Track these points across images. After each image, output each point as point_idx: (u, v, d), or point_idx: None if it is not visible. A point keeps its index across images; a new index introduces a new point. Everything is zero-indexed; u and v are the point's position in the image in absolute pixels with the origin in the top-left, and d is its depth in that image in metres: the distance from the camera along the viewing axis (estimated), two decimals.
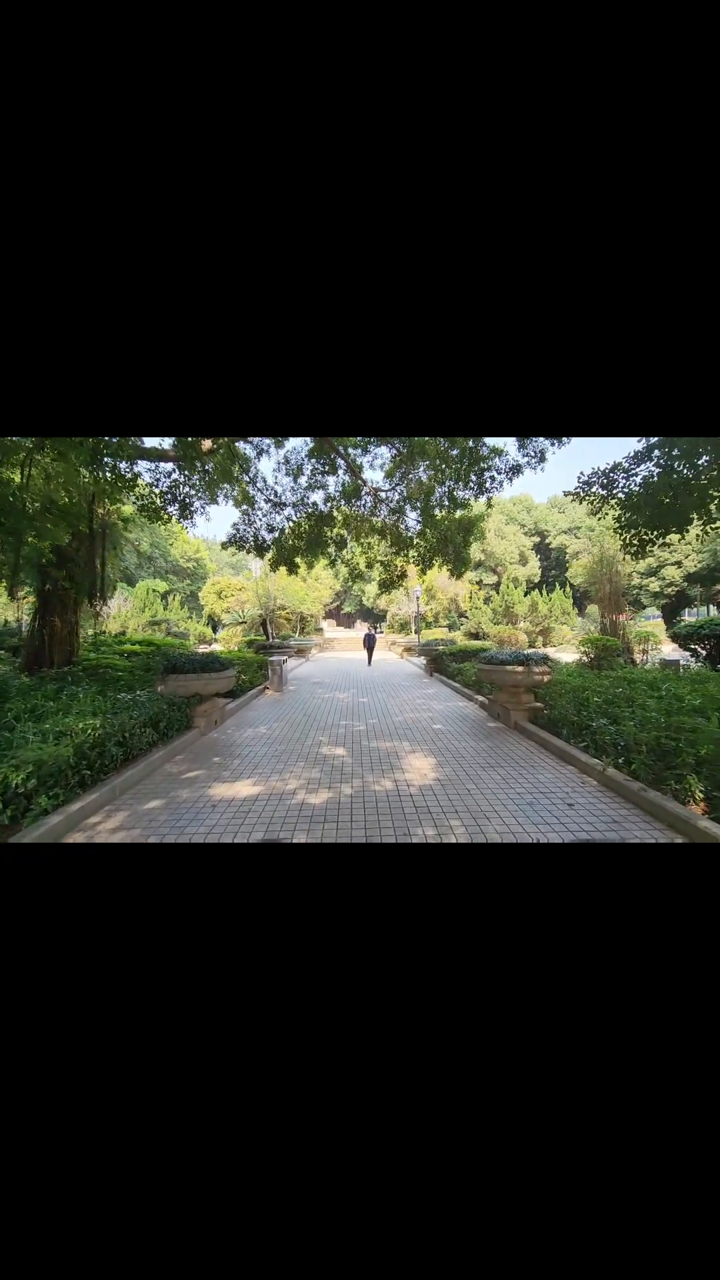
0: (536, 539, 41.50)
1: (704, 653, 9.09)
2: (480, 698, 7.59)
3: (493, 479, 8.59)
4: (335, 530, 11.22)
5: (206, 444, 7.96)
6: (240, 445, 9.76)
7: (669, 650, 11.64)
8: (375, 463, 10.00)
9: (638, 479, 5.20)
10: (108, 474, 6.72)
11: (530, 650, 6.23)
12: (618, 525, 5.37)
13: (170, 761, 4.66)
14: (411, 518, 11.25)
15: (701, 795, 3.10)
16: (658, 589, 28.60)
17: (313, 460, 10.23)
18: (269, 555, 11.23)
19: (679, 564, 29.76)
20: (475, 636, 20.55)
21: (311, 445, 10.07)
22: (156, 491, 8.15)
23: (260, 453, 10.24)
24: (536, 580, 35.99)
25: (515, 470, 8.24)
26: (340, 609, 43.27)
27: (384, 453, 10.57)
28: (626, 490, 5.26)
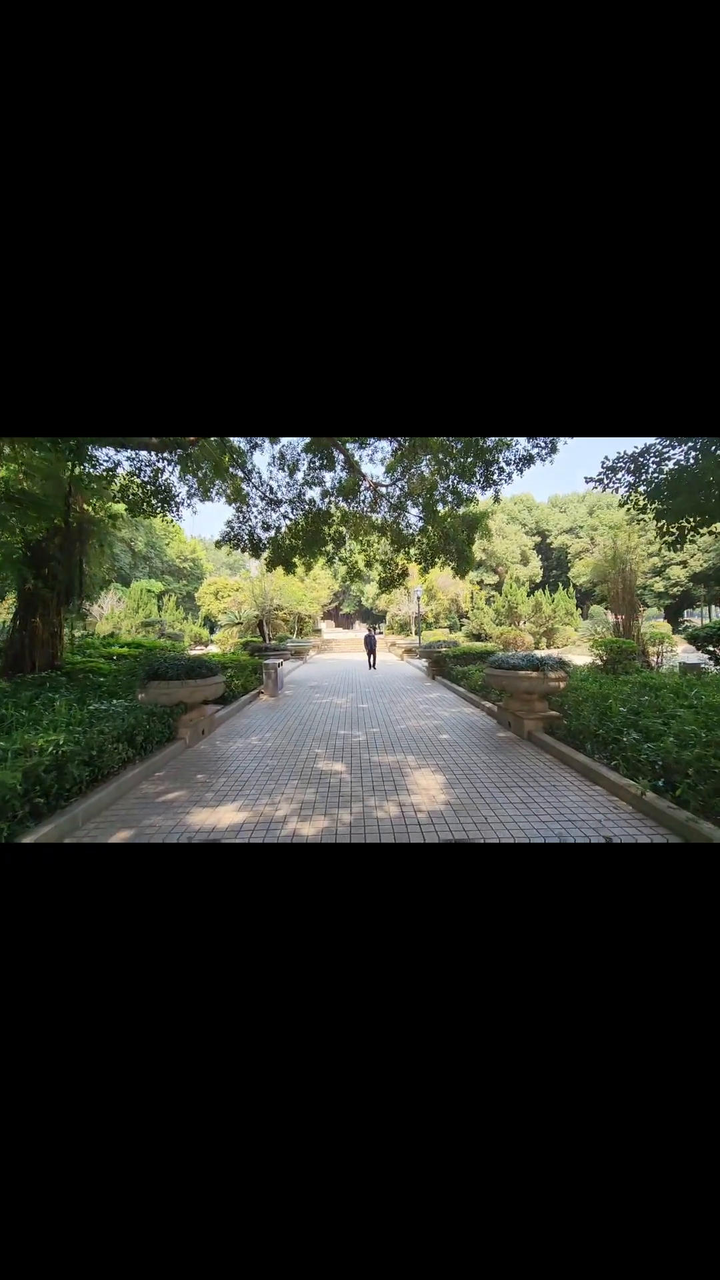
0: (537, 539, 41.10)
1: None
2: (488, 704, 7.11)
3: (500, 470, 8.11)
4: (333, 528, 10.75)
5: None
6: (232, 437, 9.28)
7: (683, 651, 11.17)
8: (375, 456, 9.50)
9: (670, 463, 4.73)
10: (86, 466, 6.23)
11: (544, 654, 5.74)
12: (652, 514, 4.88)
13: (148, 780, 4.16)
14: (413, 514, 10.79)
15: None
16: (662, 589, 28.21)
17: (309, 455, 9.75)
18: (265, 555, 10.75)
19: (684, 564, 29.39)
20: (477, 638, 20.10)
21: (308, 439, 9.60)
22: (137, 482, 7.59)
23: (254, 446, 9.76)
24: (538, 580, 35.56)
25: (525, 461, 7.77)
26: (339, 609, 42.80)
27: (384, 446, 10.10)
28: (658, 477, 4.78)
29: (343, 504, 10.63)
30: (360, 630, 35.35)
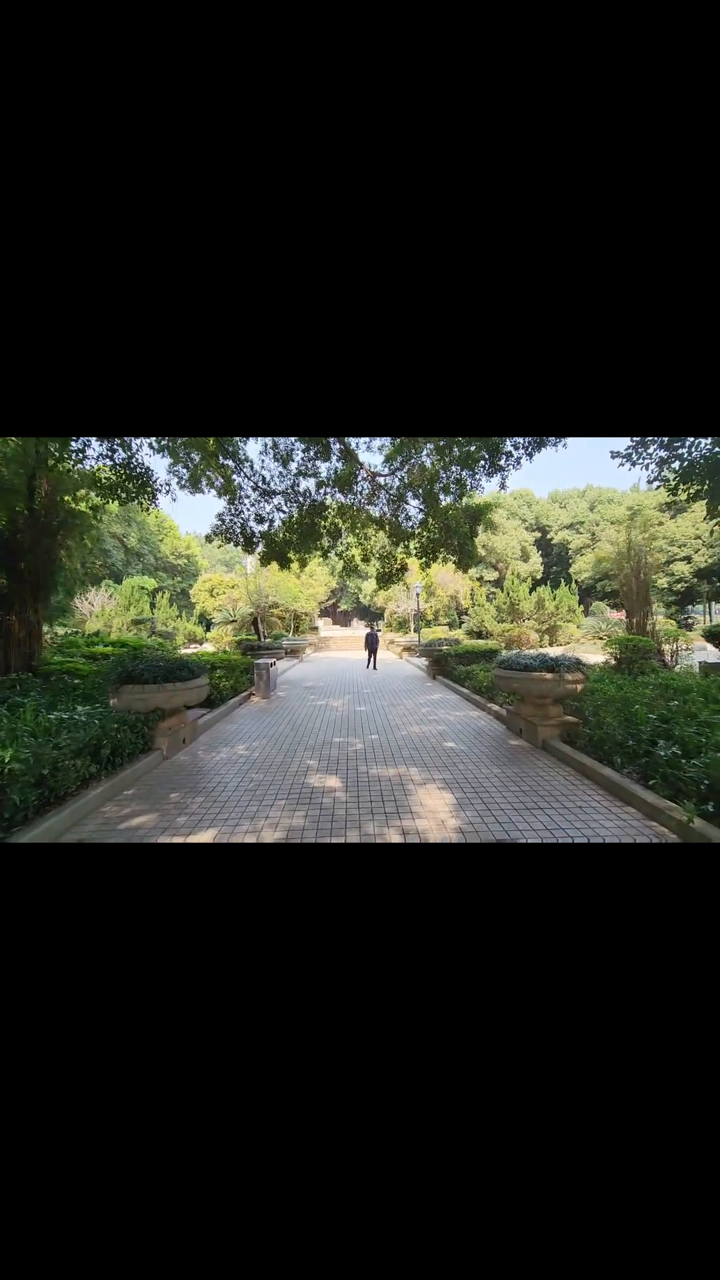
0: (537, 535, 40.59)
1: None
2: (495, 706, 6.60)
3: (508, 456, 7.58)
4: (329, 521, 10.21)
5: None
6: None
7: (698, 648, 10.67)
8: (373, 445, 8.94)
9: (704, 444, 4.21)
10: (53, 447, 5.65)
11: (556, 652, 5.22)
12: (685, 495, 4.37)
13: (113, 801, 3.63)
14: (413, 505, 10.26)
15: None
16: (665, 584, 27.76)
17: (304, 444, 9.19)
18: (258, 549, 10.19)
19: (689, 559, 28.94)
20: (477, 635, 19.61)
21: None
22: (108, 465, 6.95)
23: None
24: (539, 577, 35.07)
25: (537, 444, 7.23)
26: (336, 607, 42.23)
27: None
28: (695, 456, 4.25)
29: (339, 496, 10.10)
30: (358, 628, 34.80)
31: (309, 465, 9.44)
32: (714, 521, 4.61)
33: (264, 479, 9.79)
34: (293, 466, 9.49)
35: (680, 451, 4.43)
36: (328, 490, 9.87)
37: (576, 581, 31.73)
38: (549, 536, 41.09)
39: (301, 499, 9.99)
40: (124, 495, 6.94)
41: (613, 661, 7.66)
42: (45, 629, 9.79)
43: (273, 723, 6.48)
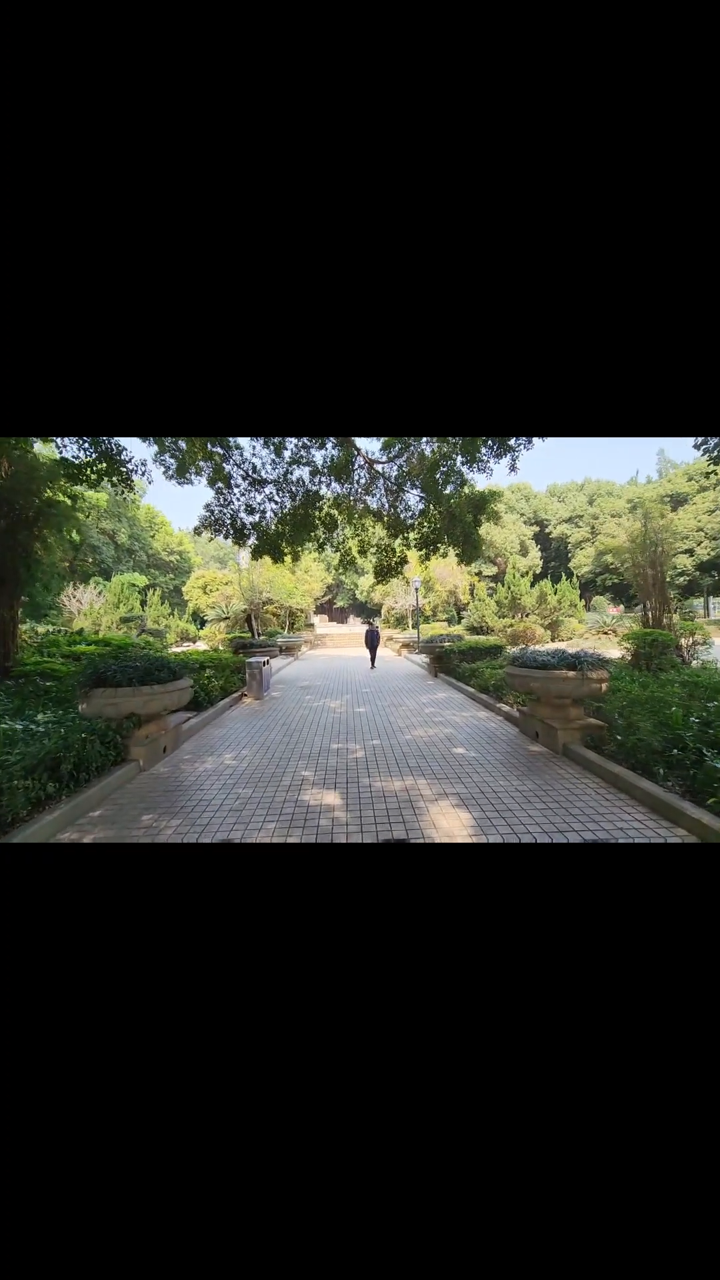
0: (536, 529, 40.13)
1: None
2: (505, 707, 6.12)
3: (518, 436, 7.05)
4: (324, 511, 9.66)
5: None
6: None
7: (718, 643, 10.21)
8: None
9: None
10: None
11: (558, 647, 4.71)
12: None
13: (74, 825, 3.11)
14: (413, 495, 9.73)
15: None
16: (668, 578, 27.39)
17: None
18: (250, 542, 9.63)
19: (690, 552, 28.56)
20: (478, 631, 19.14)
21: None
22: (76, 444, 6.31)
23: None
24: (538, 571, 34.61)
25: None
26: (332, 603, 41.62)
27: None
28: None
29: (335, 485, 9.56)
30: (355, 624, 34.26)
31: (303, 452, 8.88)
32: None
33: (254, 467, 9.22)
34: (286, 454, 8.92)
35: None
36: (323, 479, 9.33)
37: (577, 576, 31.34)
38: (547, 530, 40.65)
39: (295, 488, 9.43)
40: (93, 475, 6.33)
41: (628, 657, 7.19)
42: (24, 626, 9.21)
43: (265, 726, 5.96)
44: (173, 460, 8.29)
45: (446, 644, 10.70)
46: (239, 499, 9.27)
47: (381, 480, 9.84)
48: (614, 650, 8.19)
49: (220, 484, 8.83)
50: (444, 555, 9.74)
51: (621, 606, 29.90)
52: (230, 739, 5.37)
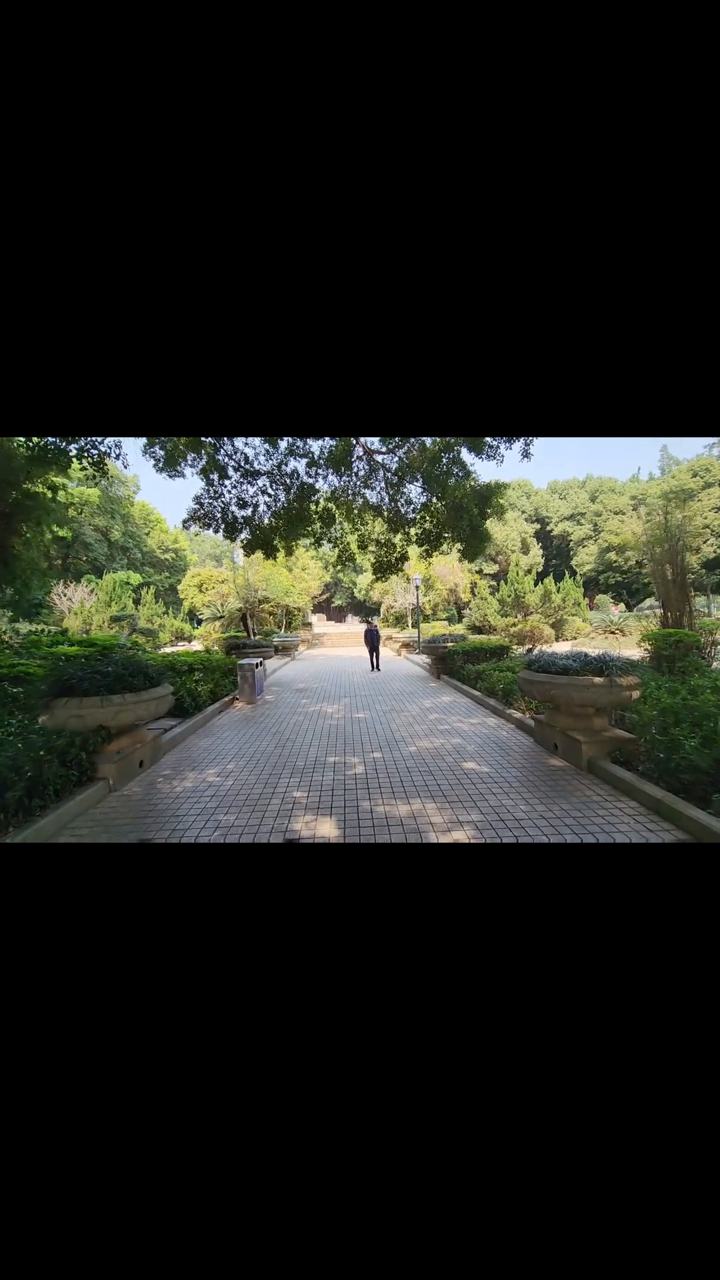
0: (537, 526, 39.64)
1: None
2: (516, 713, 5.63)
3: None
4: (321, 505, 9.16)
5: None
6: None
7: None
8: None
9: None
10: None
11: (600, 651, 4.22)
12: None
13: None
14: (414, 489, 9.23)
15: None
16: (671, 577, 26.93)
17: None
18: (241, 536, 9.11)
19: (697, 550, 28.10)
20: (479, 630, 18.66)
21: None
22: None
23: None
24: (540, 569, 34.11)
25: None
26: (330, 602, 41.09)
27: None
28: None
29: (332, 478, 9.06)
30: (353, 623, 33.73)
31: (299, 443, 8.37)
32: None
33: (247, 458, 8.70)
34: (282, 445, 8.40)
35: None
36: (320, 471, 8.82)
37: (580, 574, 30.86)
38: (548, 528, 40.16)
39: (290, 480, 8.92)
40: (55, 458, 5.80)
41: (646, 658, 6.71)
42: (3, 626, 8.68)
43: (256, 736, 5.46)
44: (162, 451, 7.78)
45: (450, 644, 10.20)
46: (230, 491, 8.76)
47: (381, 472, 9.34)
48: (628, 650, 7.70)
49: (219, 474, 8.32)
50: (447, 551, 9.24)
51: (622, 605, 29.44)
52: (216, 751, 4.87)
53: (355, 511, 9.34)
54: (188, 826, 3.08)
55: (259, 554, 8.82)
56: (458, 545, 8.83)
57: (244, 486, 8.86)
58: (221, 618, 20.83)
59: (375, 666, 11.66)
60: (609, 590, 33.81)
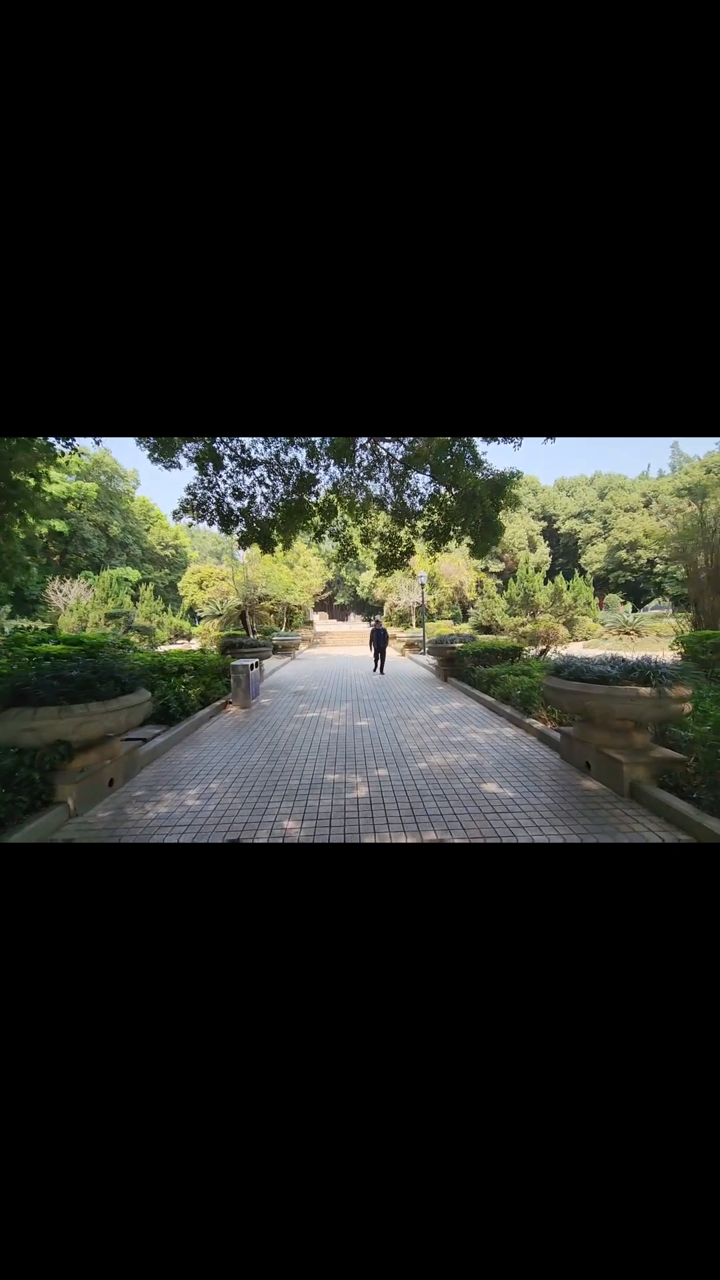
0: (544, 524, 38.89)
1: None
2: (536, 722, 5.06)
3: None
4: (322, 496, 8.61)
5: None
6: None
7: None
8: None
9: None
10: None
11: (640, 656, 3.65)
12: None
13: None
14: (420, 480, 8.66)
15: None
16: (684, 576, 26.04)
17: None
18: (237, 529, 8.57)
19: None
20: (485, 630, 18.08)
21: None
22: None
23: None
24: (546, 568, 33.39)
25: None
26: (332, 600, 40.51)
27: None
28: None
29: (334, 468, 8.50)
30: (355, 622, 33.14)
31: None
32: None
33: (243, 446, 8.15)
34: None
35: None
36: (320, 461, 8.27)
37: (590, 573, 30.13)
38: (555, 526, 39.40)
39: (289, 471, 8.37)
40: (39, 447, 5.26)
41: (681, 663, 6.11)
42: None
43: (246, 747, 4.91)
44: (154, 439, 7.25)
45: (458, 645, 9.62)
46: (225, 481, 8.21)
47: (386, 463, 8.76)
48: (651, 652, 7.11)
49: (210, 463, 7.78)
50: (457, 544, 8.66)
51: (628, 605, 28.70)
52: (201, 765, 4.32)
53: (358, 504, 8.78)
54: None
55: (260, 551, 8.26)
56: (467, 539, 8.27)
57: (240, 476, 8.31)
58: (220, 615, 20.33)
59: (380, 670, 10.98)
60: (619, 590, 33.05)
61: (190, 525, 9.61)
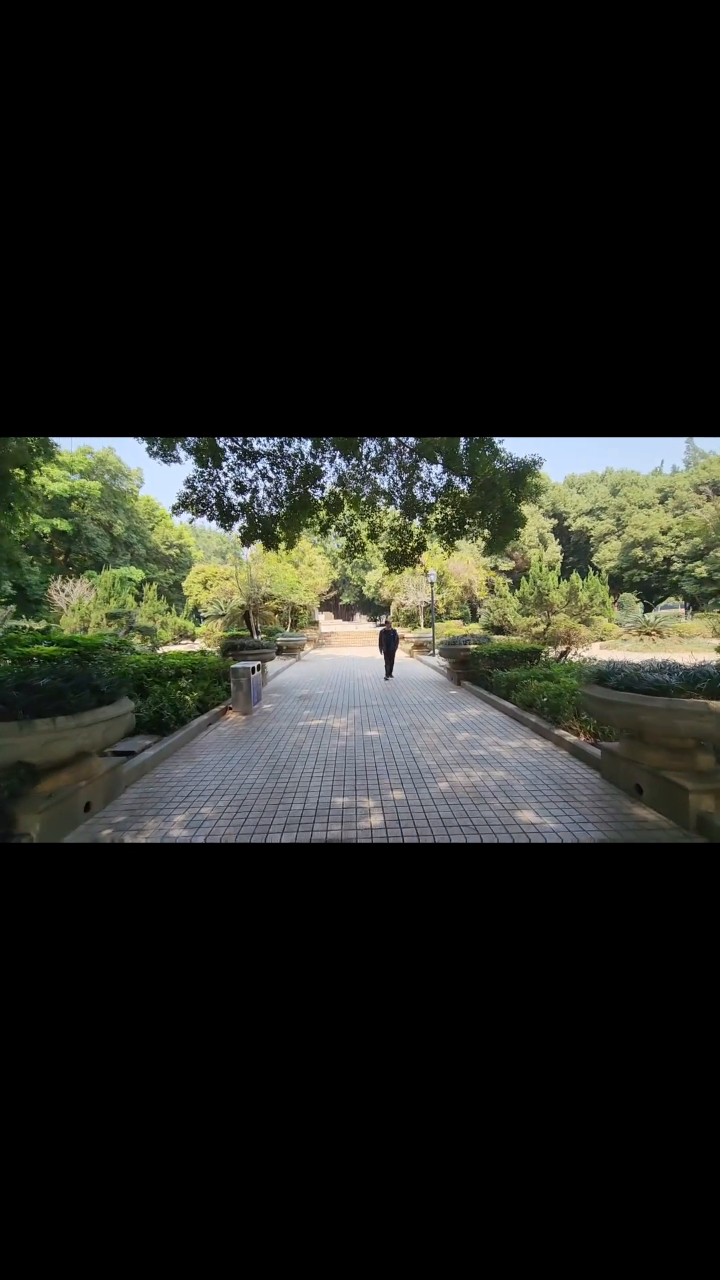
0: (554, 521, 38.10)
1: None
2: (567, 735, 4.52)
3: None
4: (327, 490, 8.12)
5: None
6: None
7: None
8: None
9: None
10: None
11: (700, 662, 3.08)
12: None
13: None
14: (432, 473, 8.14)
15: None
16: (705, 574, 25.15)
17: None
18: (238, 525, 8.11)
19: None
20: (497, 630, 17.47)
21: None
22: None
23: None
24: (557, 566, 32.69)
25: None
26: (338, 599, 40.00)
27: None
28: None
29: (340, 461, 8.01)
30: (362, 622, 32.61)
31: None
32: None
33: (244, 437, 7.67)
34: None
35: None
36: (326, 453, 7.78)
37: (604, 571, 29.38)
38: (566, 524, 38.58)
39: (292, 463, 7.89)
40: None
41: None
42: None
43: (245, 761, 4.42)
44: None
45: (472, 646, 9.08)
46: (226, 474, 7.75)
47: (394, 454, 8.25)
48: (678, 655, 6.52)
49: (215, 457, 7.33)
50: (473, 539, 8.13)
51: (640, 605, 27.89)
52: (193, 783, 3.84)
53: (364, 498, 8.28)
54: None
55: (264, 549, 7.80)
56: (484, 533, 7.73)
57: (242, 470, 7.84)
58: (223, 615, 19.92)
59: (389, 674, 10.30)
60: (634, 588, 32.22)
61: (191, 521, 9.16)
